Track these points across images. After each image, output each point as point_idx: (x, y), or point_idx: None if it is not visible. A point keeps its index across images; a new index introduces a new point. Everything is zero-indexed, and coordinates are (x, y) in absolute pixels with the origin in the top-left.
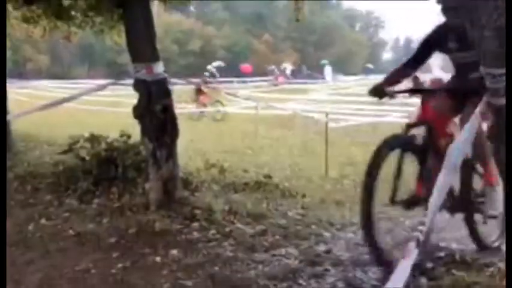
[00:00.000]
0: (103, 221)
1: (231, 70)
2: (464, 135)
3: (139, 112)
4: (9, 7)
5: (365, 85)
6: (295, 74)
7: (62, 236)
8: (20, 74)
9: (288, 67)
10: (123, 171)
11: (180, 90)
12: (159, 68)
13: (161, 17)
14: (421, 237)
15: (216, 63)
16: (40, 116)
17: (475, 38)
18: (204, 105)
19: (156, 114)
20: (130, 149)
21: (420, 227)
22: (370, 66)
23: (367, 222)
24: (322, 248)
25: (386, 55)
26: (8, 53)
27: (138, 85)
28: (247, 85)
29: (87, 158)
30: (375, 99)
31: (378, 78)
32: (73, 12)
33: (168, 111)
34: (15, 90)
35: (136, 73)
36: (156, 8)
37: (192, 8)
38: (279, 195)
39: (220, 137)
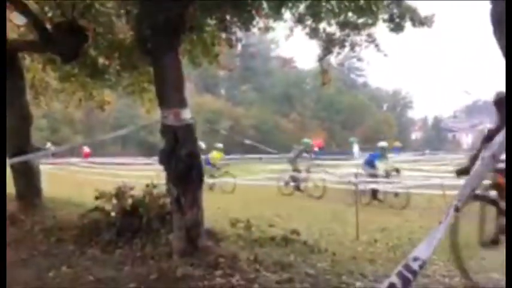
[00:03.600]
0: (124, 269)
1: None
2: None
3: (165, 156)
4: (50, 79)
5: (394, 162)
6: (323, 151)
7: (81, 281)
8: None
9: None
10: (147, 222)
11: None
12: (187, 114)
13: (193, 98)
14: (460, 205)
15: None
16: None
17: (504, 47)
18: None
19: (182, 159)
20: (155, 201)
21: (459, 198)
22: (398, 144)
23: None
24: None
25: (415, 134)
26: (47, 133)
27: (165, 130)
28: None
29: (113, 213)
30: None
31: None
32: (106, 76)
33: (193, 156)
34: (50, 166)
35: (163, 118)
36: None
37: (222, 91)
38: (307, 251)
39: (247, 205)
